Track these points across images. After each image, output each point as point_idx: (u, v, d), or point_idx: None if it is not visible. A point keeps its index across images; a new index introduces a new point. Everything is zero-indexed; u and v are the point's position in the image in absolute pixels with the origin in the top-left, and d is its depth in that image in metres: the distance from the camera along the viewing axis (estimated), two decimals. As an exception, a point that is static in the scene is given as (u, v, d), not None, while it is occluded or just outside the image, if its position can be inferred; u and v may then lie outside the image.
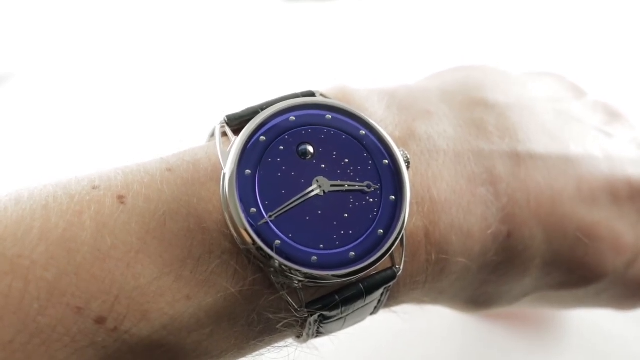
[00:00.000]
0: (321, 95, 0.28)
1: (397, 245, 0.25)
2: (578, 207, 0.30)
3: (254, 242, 0.22)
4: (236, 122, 0.26)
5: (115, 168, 0.24)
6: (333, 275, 0.23)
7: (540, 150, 0.31)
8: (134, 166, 0.24)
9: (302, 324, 0.25)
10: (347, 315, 0.25)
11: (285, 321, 0.24)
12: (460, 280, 0.29)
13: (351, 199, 0.25)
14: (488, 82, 0.33)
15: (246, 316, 0.24)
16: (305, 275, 0.23)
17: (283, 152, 0.25)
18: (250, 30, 0.74)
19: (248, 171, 0.24)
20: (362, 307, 0.26)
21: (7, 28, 0.74)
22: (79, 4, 0.78)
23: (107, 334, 0.21)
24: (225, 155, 0.24)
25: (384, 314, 0.29)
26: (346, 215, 0.24)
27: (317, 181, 0.24)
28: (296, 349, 0.27)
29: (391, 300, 0.28)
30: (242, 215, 0.23)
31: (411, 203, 0.26)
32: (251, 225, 0.23)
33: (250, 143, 0.24)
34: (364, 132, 0.26)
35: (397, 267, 0.25)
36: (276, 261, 0.23)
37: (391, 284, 0.25)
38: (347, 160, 0.25)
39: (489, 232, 0.28)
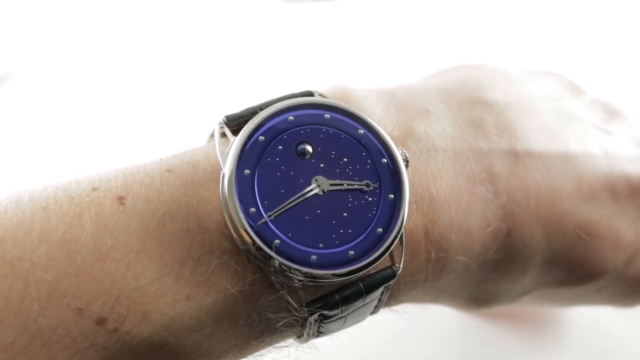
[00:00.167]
0: (320, 95, 0.28)
1: (396, 244, 0.25)
2: (577, 205, 0.30)
3: (254, 242, 0.23)
4: (235, 123, 0.26)
5: (115, 169, 0.24)
6: (333, 274, 0.23)
7: (539, 148, 0.31)
8: (134, 167, 0.24)
9: (303, 323, 0.25)
10: (347, 315, 0.26)
11: (286, 321, 0.24)
12: (461, 278, 0.29)
13: (350, 198, 0.25)
14: (487, 81, 0.33)
15: (246, 316, 0.24)
16: (305, 275, 0.23)
17: (282, 151, 0.25)
18: (250, 30, 0.74)
19: (247, 171, 0.24)
20: (362, 306, 0.26)
21: (7, 28, 0.74)
22: (79, 4, 0.78)
23: (108, 335, 0.21)
24: (224, 156, 0.24)
25: (384, 314, 0.29)
26: (345, 214, 0.24)
27: (316, 180, 0.24)
28: (297, 349, 0.27)
29: (391, 299, 0.28)
30: (242, 216, 0.23)
31: (410, 202, 0.26)
32: (250, 225, 0.23)
33: (249, 143, 0.24)
34: (362, 132, 0.26)
35: (397, 265, 0.25)
36: (276, 261, 0.23)
37: (391, 282, 0.25)
38: (345, 160, 0.25)
39: (489, 230, 0.28)
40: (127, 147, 0.55)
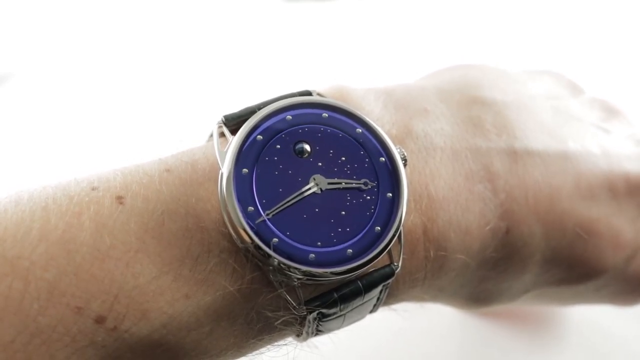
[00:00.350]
0: (318, 94, 0.28)
1: (395, 243, 0.25)
2: (577, 204, 0.31)
3: (252, 241, 0.23)
4: (234, 122, 0.26)
5: (114, 169, 0.24)
6: (331, 273, 0.23)
7: (538, 147, 0.31)
8: (133, 167, 0.25)
9: (301, 322, 0.25)
10: (346, 313, 0.26)
11: (284, 319, 0.24)
12: (460, 277, 0.29)
13: (348, 196, 0.25)
14: (486, 80, 0.34)
15: (245, 315, 0.24)
16: (304, 273, 0.23)
17: (280, 150, 0.25)
18: (250, 30, 0.74)
19: (245, 170, 0.24)
20: (361, 304, 0.26)
21: (7, 28, 0.74)
22: (79, 4, 0.78)
23: (107, 334, 0.21)
24: (223, 155, 0.24)
25: (383, 312, 0.29)
26: (343, 212, 0.24)
27: (314, 179, 0.24)
28: (295, 347, 0.27)
29: (391, 297, 0.28)
30: (240, 214, 0.23)
31: (409, 200, 0.26)
32: (249, 224, 0.23)
33: (247, 142, 0.25)
34: (360, 130, 0.26)
35: (396, 264, 0.25)
36: (275, 259, 0.23)
37: (389, 281, 0.25)
38: (343, 158, 0.25)
39: (488, 228, 0.28)
40: (126, 147, 0.55)
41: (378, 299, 0.26)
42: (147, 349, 0.22)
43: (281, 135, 0.25)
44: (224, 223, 0.23)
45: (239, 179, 0.24)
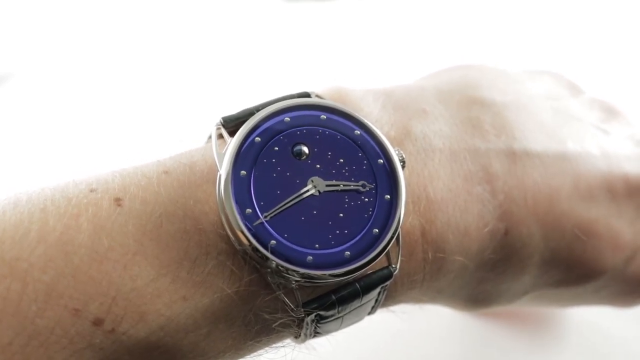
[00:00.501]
0: (316, 96, 0.28)
1: (393, 245, 0.25)
2: (576, 205, 0.30)
3: (250, 243, 0.23)
4: (232, 124, 0.26)
5: (112, 171, 0.24)
6: (330, 275, 0.23)
7: (537, 148, 0.31)
8: (131, 169, 0.25)
9: (299, 324, 0.25)
10: (344, 315, 0.26)
11: (282, 321, 0.24)
12: (458, 278, 0.29)
13: (346, 198, 0.25)
14: (485, 80, 0.33)
15: (243, 317, 0.24)
16: (302, 276, 0.23)
17: (278, 152, 0.25)
18: (250, 30, 0.74)
19: (243, 172, 0.24)
20: (359, 306, 0.26)
21: (7, 28, 0.74)
22: (79, 4, 0.78)
23: (105, 336, 0.21)
24: (221, 157, 0.24)
25: (382, 314, 0.29)
26: (341, 214, 0.24)
27: (312, 181, 0.24)
28: (293, 349, 0.27)
29: (389, 299, 0.28)
30: (238, 217, 0.23)
31: (407, 202, 0.26)
32: (247, 226, 0.23)
33: (245, 144, 0.25)
34: (358, 132, 0.26)
35: (394, 266, 0.25)
36: (273, 262, 0.23)
37: (388, 283, 0.25)
38: (342, 160, 0.25)
39: (486, 230, 0.28)
40: (125, 149, 0.55)
41: (376, 300, 0.26)
42: (145, 351, 0.22)
43: (279, 137, 0.25)
44: (222, 225, 0.23)
45: (237, 181, 0.24)
